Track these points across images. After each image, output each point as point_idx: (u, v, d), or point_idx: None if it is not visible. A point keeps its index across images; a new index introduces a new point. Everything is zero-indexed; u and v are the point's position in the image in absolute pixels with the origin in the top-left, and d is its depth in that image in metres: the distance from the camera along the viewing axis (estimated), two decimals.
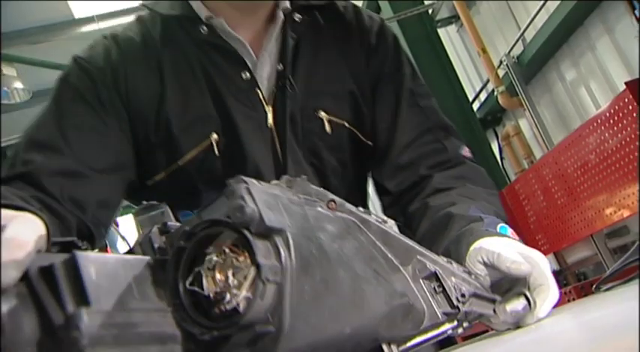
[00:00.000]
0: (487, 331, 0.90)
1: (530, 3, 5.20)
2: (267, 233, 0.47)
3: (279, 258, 0.47)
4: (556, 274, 4.43)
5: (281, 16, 1.07)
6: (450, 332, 0.70)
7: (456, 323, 0.70)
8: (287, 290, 0.46)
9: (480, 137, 5.24)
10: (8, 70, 6.05)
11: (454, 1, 5.66)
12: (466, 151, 1.12)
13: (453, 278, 0.70)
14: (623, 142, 2.88)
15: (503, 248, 0.81)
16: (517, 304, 0.77)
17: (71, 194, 0.94)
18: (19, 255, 0.47)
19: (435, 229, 0.95)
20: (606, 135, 2.99)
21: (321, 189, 0.61)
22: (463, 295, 0.69)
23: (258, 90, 1.05)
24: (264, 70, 1.07)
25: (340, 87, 1.11)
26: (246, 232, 0.46)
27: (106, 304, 0.44)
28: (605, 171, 3.08)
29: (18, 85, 6.17)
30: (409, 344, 0.65)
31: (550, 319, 0.78)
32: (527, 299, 0.77)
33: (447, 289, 0.67)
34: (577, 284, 3.36)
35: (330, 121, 1.08)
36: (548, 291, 0.78)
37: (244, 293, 0.46)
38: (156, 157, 1.05)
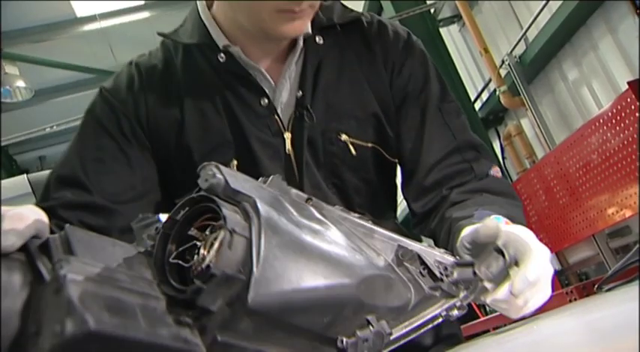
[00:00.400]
0: (488, 330, 0.90)
1: (532, 2, 5.19)
2: (235, 198, 0.56)
3: (247, 218, 0.55)
4: (557, 274, 4.42)
5: (301, 43, 1.06)
6: (444, 313, 0.71)
7: (449, 302, 0.72)
8: (255, 241, 0.53)
9: (482, 136, 5.21)
10: (10, 69, 6.06)
11: (456, 1, 5.65)
12: (496, 171, 1.07)
13: (435, 257, 0.74)
14: (626, 142, 2.87)
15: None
16: (491, 259, 0.78)
17: (91, 223, 0.98)
18: (19, 225, 0.55)
19: (445, 238, 0.95)
20: (608, 134, 2.98)
21: (299, 191, 0.67)
22: (446, 268, 0.73)
23: (277, 117, 1.05)
24: (284, 96, 1.06)
25: (363, 109, 1.08)
26: (214, 197, 0.55)
27: (91, 261, 0.52)
28: (607, 170, 3.07)
29: (20, 83, 6.18)
30: (406, 329, 0.67)
31: (551, 319, 0.78)
32: (502, 254, 0.78)
33: (429, 265, 0.71)
34: (579, 284, 3.35)
35: (352, 144, 1.07)
36: (531, 253, 0.76)
37: (215, 248, 0.53)
38: (179, 181, 1.06)
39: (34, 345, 0.47)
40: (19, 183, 1.84)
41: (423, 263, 0.72)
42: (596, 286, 0.97)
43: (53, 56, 6.48)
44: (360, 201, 1.09)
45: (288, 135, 1.05)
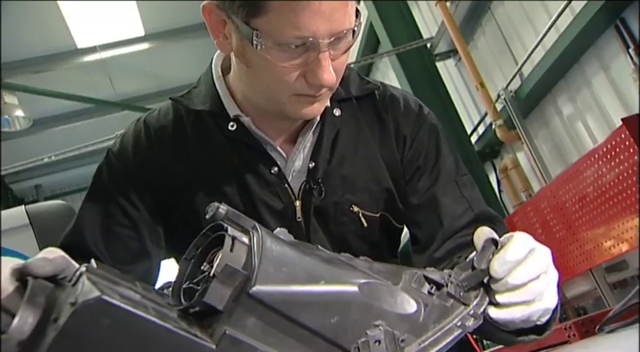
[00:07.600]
0: None
1: (526, 38, 5.28)
2: (238, 222, 0.62)
3: (249, 233, 0.61)
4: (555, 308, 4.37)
5: (318, 116, 1.05)
6: (459, 323, 0.70)
7: (463, 311, 0.72)
8: (256, 243, 0.59)
9: (478, 169, 5.26)
10: (10, 99, 6.10)
11: (452, 36, 5.75)
12: None
13: (440, 276, 0.76)
14: (621, 177, 2.89)
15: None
16: (487, 251, 0.79)
17: None
18: (50, 255, 0.66)
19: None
20: (604, 169, 3.00)
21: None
22: (449, 275, 0.75)
23: (287, 186, 1.04)
24: (296, 164, 1.06)
25: (377, 183, 1.08)
26: (220, 221, 0.61)
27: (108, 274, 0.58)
28: (604, 205, 3.08)
29: (19, 112, 6.21)
30: (423, 344, 0.67)
31: None
32: (495, 243, 0.80)
33: (434, 279, 0.73)
34: (577, 319, 3.32)
35: (363, 215, 1.07)
36: (511, 239, 0.78)
37: (219, 256, 0.58)
38: (188, 241, 1.06)
39: (54, 330, 0.50)
40: (17, 214, 1.83)
41: (429, 281, 0.73)
42: (597, 327, 0.96)
43: (52, 86, 6.53)
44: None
45: (298, 204, 1.04)
